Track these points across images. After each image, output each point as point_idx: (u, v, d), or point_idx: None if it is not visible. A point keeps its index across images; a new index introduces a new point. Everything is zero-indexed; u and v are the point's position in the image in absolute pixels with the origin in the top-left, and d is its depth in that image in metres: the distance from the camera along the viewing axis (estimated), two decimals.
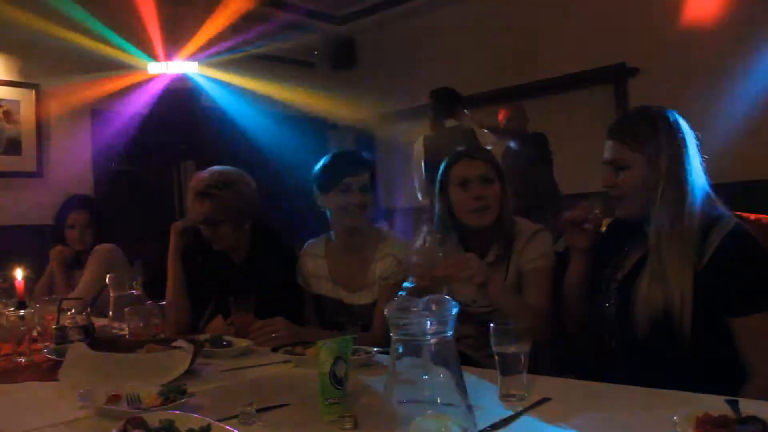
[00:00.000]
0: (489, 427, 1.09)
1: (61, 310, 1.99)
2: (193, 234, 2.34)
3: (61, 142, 4.81)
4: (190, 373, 1.53)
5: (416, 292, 1.73)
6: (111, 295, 2.20)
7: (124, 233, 3.36)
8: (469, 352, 1.92)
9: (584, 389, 1.35)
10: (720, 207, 1.56)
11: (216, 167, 2.33)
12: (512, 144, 4.37)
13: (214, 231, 2.27)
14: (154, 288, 2.33)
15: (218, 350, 1.82)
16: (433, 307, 0.94)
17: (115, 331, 2.08)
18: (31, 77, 4.67)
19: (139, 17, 4.89)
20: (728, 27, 4.37)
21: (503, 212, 1.96)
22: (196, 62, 5.20)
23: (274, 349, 1.77)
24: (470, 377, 1.20)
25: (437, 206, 2.03)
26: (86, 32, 4.63)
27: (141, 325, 1.88)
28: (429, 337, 0.93)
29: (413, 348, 0.94)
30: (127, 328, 1.92)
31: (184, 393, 1.27)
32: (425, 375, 0.94)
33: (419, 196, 4.43)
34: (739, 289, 1.46)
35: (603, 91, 4.98)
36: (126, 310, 1.91)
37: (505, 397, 1.26)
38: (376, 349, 1.65)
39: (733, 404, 1.02)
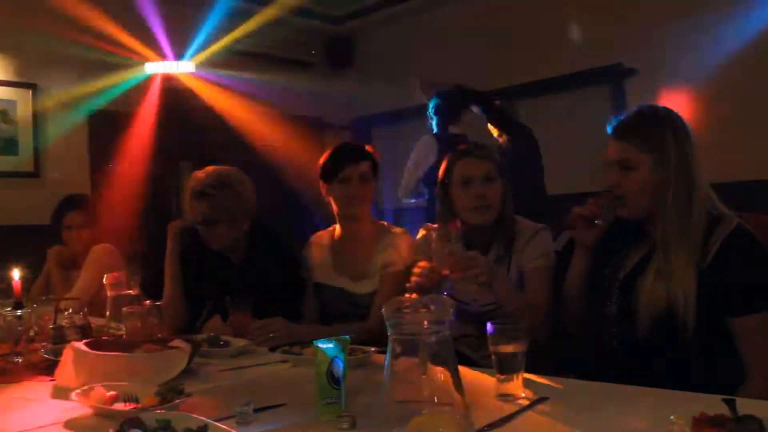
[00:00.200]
0: (486, 426, 1.09)
1: (58, 310, 1.99)
2: (190, 234, 2.34)
3: (57, 142, 4.80)
4: (188, 372, 1.52)
5: (420, 289, 1.74)
6: (108, 295, 2.19)
7: (121, 233, 3.36)
8: (468, 352, 1.92)
9: (584, 389, 1.34)
10: (721, 206, 1.56)
11: (213, 167, 2.32)
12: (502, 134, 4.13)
13: (211, 231, 2.27)
14: (152, 288, 2.33)
15: (216, 350, 1.82)
16: (431, 307, 0.94)
17: (112, 331, 2.08)
18: (27, 77, 4.65)
19: (137, 17, 4.87)
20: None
21: (504, 211, 1.96)
22: (193, 62, 5.19)
23: (272, 349, 1.77)
24: (468, 377, 1.19)
25: (438, 204, 2.03)
26: (83, 32, 4.61)
27: (138, 325, 1.87)
28: (426, 336, 0.93)
29: (411, 347, 0.94)
30: (124, 328, 1.91)
31: (181, 393, 1.27)
32: (423, 374, 0.94)
33: (401, 193, 4.13)
34: (739, 289, 1.46)
35: (600, 92, 4.98)
36: (123, 310, 1.90)
37: (503, 396, 1.26)
38: (373, 349, 1.65)
39: (731, 403, 1.02)
